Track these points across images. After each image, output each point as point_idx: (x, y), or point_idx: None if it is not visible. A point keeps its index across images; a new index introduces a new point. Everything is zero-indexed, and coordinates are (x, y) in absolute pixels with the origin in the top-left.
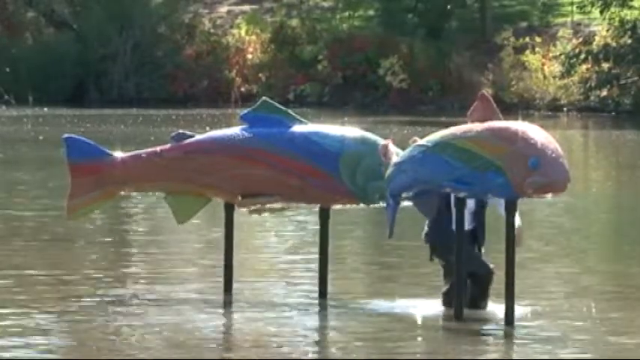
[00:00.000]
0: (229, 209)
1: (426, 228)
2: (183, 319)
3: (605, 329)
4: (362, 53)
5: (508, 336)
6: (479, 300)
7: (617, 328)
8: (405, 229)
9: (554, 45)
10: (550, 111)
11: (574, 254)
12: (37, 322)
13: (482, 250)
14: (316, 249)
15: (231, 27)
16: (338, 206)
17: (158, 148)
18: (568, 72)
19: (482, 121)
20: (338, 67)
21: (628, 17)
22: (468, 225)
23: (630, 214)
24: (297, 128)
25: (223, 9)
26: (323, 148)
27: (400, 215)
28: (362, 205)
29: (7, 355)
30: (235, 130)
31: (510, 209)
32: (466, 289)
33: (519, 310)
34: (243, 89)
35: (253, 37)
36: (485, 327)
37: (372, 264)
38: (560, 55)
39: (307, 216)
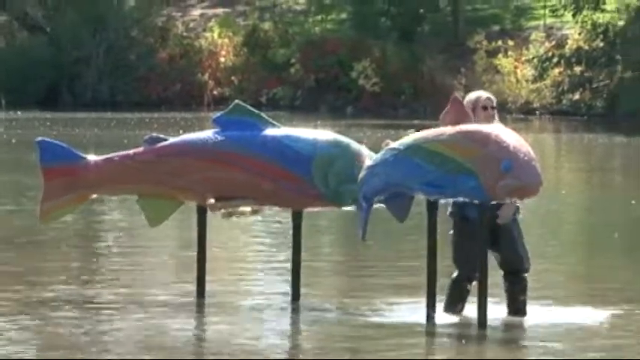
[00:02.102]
0: (202, 212)
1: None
2: (155, 322)
3: (569, 334)
4: (334, 56)
5: (482, 339)
6: (454, 302)
7: (585, 333)
8: (379, 231)
9: (527, 48)
10: (522, 114)
11: (544, 257)
12: (5, 326)
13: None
14: (290, 251)
15: (204, 30)
16: (311, 209)
17: (131, 152)
18: (540, 75)
19: (455, 124)
20: (310, 70)
21: (600, 20)
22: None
23: (600, 216)
24: (270, 131)
25: (196, 12)
26: (295, 152)
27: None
28: (335, 208)
29: None
30: (208, 134)
31: (483, 212)
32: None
33: (493, 312)
34: (215, 92)
35: (226, 41)
36: (461, 330)
37: (346, 266)
38: (533, 58)
39: (281, 217)
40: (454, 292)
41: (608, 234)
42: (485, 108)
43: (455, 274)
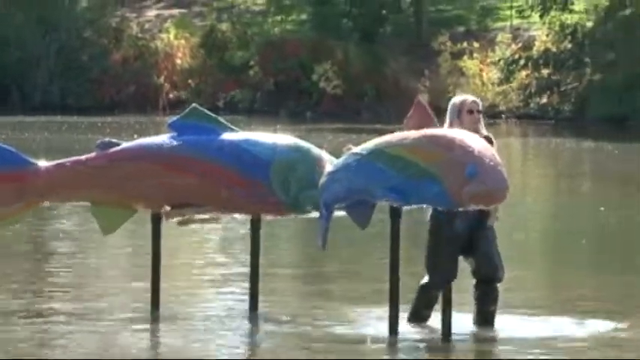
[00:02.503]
0: (156, 220)
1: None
2: (107, 335)
3: (537, 345)
4: (295, 58)
5: (447, 351)
6: (420, 310)
7: (553, 343)
8: (340, 238)
9: (493, 50)
10: (488, 118)
11: (510, 265)
12: None
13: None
14: (248, 260)
15: (160, 31)
16: (270, 217)
17: (83, 157)
18: (507, 78)
19: (419, 128)
20: (270, 72)
21: (568, 21)
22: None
23: (568, 223)
24: (227, 136)
25: (152, 13)
26: (254, 156)
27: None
28: (294, 216)
29: None
30: (163, 138)
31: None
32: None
33: (459, 322)
34: (171, 95)
35: (182, 42)
36: (424, 342)
37: (307, 275)
38: (499, 60)
39: (240, 225)
40: (422, 299)
41: (575, 241)
42: (470, 112)
43: (424, 280)
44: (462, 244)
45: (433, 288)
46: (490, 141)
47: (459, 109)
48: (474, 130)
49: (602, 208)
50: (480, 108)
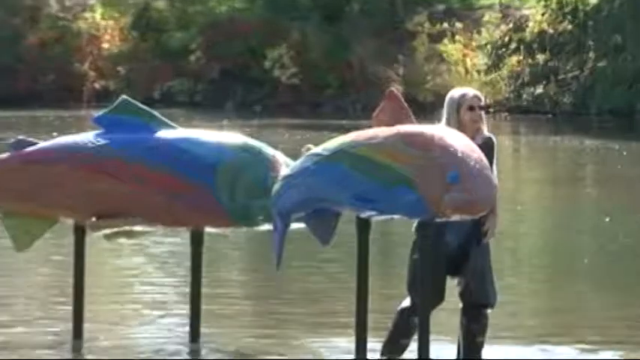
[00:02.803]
0: (79, 233)
1: None
2: None
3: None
4: (244, 42)
5: None
6: (397, 338)
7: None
8: (298, 253)
9: (479, 32)
10: None
11: (500, 287)
12: None
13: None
14: (188, 280)
15: (84, 10)
16: (214, 229)
17: None
18: (495, 65)
19: (391, 124)
20: (214, 58)
21: None
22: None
23: (567, 237)
24: (164, 134)
25: None
26: (195, 158)
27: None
28: (244, 229)
29: None
30: (88, 137)
31: (425, 232)
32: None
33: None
34: (97, 85)
35: (111, 23)
36: None
37: (258, 298)
38: (486, 44)
39: (179, 239)
40: (400, 326)
41: (576, 259)
42: (471, 108)
43: (405, 304)
44: (452, 261)
45: (415, 313)
46: (491, 144)
47: (458, 104)
48: (475, 129)
49: (607, 219)
50: (483, 104)
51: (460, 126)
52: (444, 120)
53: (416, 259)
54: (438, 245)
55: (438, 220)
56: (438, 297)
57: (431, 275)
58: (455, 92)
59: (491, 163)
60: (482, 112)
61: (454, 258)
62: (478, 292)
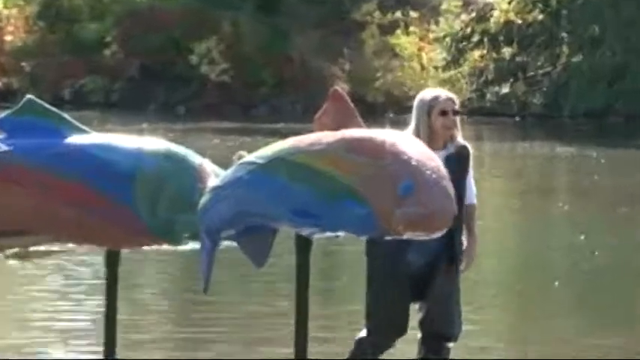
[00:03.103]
0: None
1: None
2: None
3: None
4: (166, 34)
5: None
6: None
7: None
8: (227, 273)
9: (436, 23)
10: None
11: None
12: None
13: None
14: (104, 304)
15: None
16: (132, 248)
17: None
18: (455, 60)
19: (335, 128)
20: (133, 53)
21: None
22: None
23: (535, 256)
24: (75, 139)
25: None
26: (111, 167)
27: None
28: (166, 247)
29: None
30: None
31: (374, 251)
32: None
33: None
34: None
35: (14, 12)
36: None
37: (182, 321)
38: (445, 36)
39: (92, 259)
40: (358, 357)
41: (546, 281)
42: (444, 113)
43: (362, 334)
44: (416, 284)
45: (373, 345)
46: (466, 154)
47: (429, 107)
48: (448, 136)
49: (582, 237)
50: (457, 108)
51: (431, 132)
52: (412, 125)
53: (370, 287)
54: (397, 266)
55: (389, 237)
56: (398, 329)
57: (386, 303)
58: (426, 94)
59: (464, 174)
60: (457, 118)
61: (419, 280)
62: (441, 320)
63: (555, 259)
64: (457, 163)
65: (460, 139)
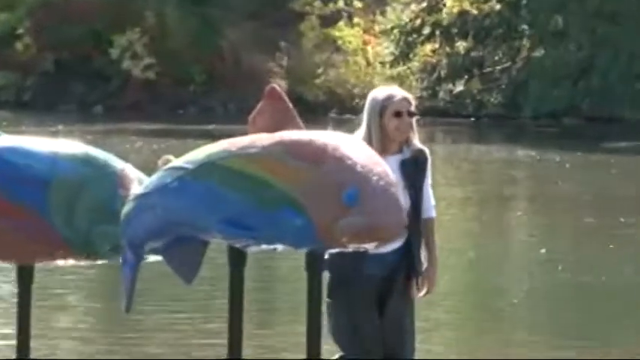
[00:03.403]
0: None
1: None
2: None
3: None
4: (84, 25)
5: None
6: None
7: None
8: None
9: (383, 13)
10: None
11: None
12: None
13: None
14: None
15: None
16: (47, 262)
17: None
18: (404, 55)
19: (272, 130)
20: (47, 46)
21: None
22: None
23: (491, 271)
24: None
25: None
26: (23, 173)
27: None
28: (85, 261)
29: None
30: None
31: (313, 265)
32: None
33: None
34: None
35: None
36: None
37: (101, 340)
38: (393, 29)
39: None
40: None
41: (504, 298)
42: (398, 114)
43: (335, 357)
44: (379, 299)
45: None
46: (423, 159)
47: (382, 108)
48: (403, 139)
49: (542, 250)
50: (413, 108)
51: (384, 135)
52: (363, 127)
53: (330, 303)
54: (355, 282)
55: (332, 250)
56: (372, 342)
57: (358, 318)
58: (378, 93)
59: (422, 181)
60: (413, 119)
61: (376, 295)
62: (393, 342)
63: (513, 274)
64: (414, 168)
65: (417, 143)
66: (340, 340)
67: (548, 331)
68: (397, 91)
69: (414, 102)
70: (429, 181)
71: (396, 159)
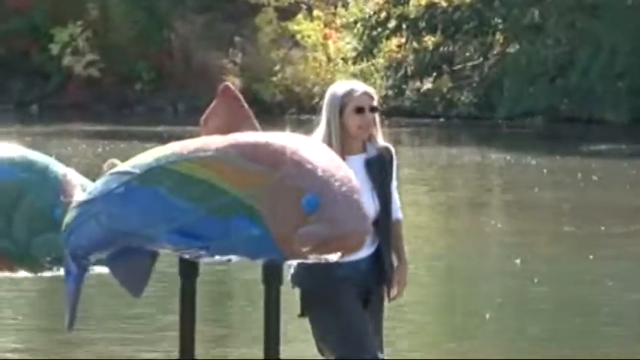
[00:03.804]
0: None
1: None
2: None
3: None
4: (22, 18)
5: None
6: None
7: None
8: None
9: (345, 6)
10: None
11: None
12: None
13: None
14: None
15: None
16: None
17: None
18: (368, 51)
19: (226, 131)
20: None
21: None
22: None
23: (464, 283)
24: None
25: None
26: None
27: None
28: (24, 274)
29: None
30: None
31: (271, 278)
32: None
33: None
34: None
35: None
36: None
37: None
38: (355, 22)
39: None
40: None
41: (475, 313)
42: (360, 110)
43: None
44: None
45: None
46: (389, 158)
47: (342, 104)
48: (366, 137)
49: (517, 261)
50: (376, 103)
51: (344, 134)
52: (322, 126)
53: (311, 316)
54: (330, 285)
55: (291, 261)
56: (369, 345)
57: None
58: (337, 88)
59: (389, 180)
60: (376, 115)
61: (359, 296)
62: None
63: (485, 288)
64: (380, 167)
65: (381, 140)
66: (333, 342)
67: (525, 351)
68: (358, 86)
69: (376, 96)
70: (395, 183)
71: (359, 159)
